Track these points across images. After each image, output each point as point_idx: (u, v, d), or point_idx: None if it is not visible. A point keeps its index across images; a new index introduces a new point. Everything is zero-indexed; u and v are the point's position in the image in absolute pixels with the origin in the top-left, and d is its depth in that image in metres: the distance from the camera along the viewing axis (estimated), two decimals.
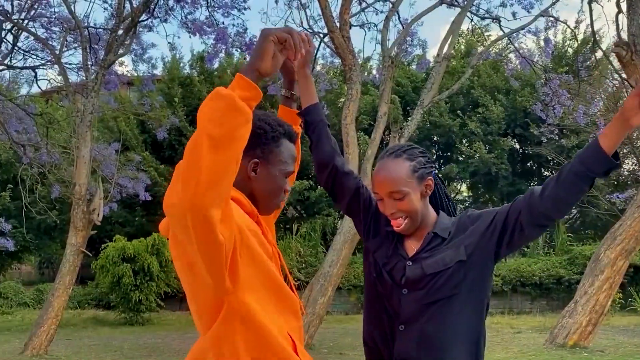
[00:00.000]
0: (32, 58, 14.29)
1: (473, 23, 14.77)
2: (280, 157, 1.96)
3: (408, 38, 14.65)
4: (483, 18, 13.68)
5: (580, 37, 17.59)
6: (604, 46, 17.36)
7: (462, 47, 20.93)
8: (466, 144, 19.30)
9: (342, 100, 16.86)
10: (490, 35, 18.16)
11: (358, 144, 14.55)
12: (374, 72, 18.53)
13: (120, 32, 11.45)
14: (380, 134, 11.17)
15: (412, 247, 2.24)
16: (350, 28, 11.70)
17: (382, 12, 13.66)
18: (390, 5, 12.51)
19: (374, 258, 2.27)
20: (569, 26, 14.62)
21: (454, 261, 2.14)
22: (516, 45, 14.58)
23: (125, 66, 19.54)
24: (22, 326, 14.13)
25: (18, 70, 15.05)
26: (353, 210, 2.37)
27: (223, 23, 12.64)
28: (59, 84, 15.30)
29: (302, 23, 13.80)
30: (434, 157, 20.97)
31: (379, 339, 2.23)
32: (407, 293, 2.16)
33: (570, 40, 18.67)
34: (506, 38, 14.04)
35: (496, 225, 2.16)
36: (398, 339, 2.16)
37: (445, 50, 11.36)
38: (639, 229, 9.85)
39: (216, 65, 21.25)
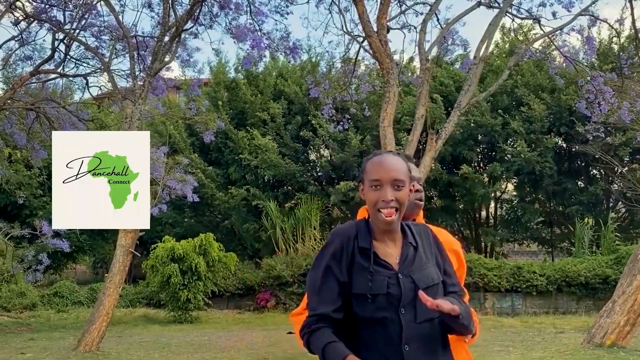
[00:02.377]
0: (84, 66, 14.90)
1: (514, 23, 14.82)
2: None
3: (449, 38, 14.78)
4: (523, 18, 13.70)
5: (625, 33, 17.41)
6: None
7: (507, 46, 20.85)
8: (511, 143, 19.23)
9: None
10: (536, 34, 18.10)
11: (401, 145, 14.78)
12: (418, 73, 18.66)
13: (165, 39, 11.85)
14: (418, 136, 11.32)
15: (391, 256, 2.34)
16: (388, 32, 11.88)
17: (421, 14, 13.81)
18: (428, 8, 12.66)
19: (359, 290, 2.29)
20: (609, 24, 14.51)
21: (440, 279, 2.36)
22: (560, 43, 14.56)
23: (172, 71, 20.09)
24: (76, 324, 14.73)
25: (70, 78, 15.66)
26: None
27: (260, 30, 12.93)
28: (109, 90, 15.87)
29: (342, 27, 14.08)
30: (478, 156, 20.97)
31: None
32: (405, 312, 2.25)
33: (615, 37, 18.43)
34: (549, 38, 14.05)
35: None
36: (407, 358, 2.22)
37: (482, 52, 11.46)
38: None
39: (261, 68, 21.67)
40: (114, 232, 17.85)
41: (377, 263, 2.31)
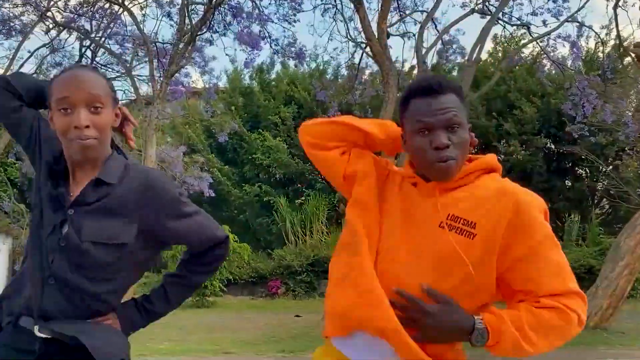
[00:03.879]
0: (109, 71, 14.85)
1: (505, 30, 14.62)
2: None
3: (447, 47, 14.58)
4: (513, 25, 13.49)
5: (611, 42, 17.16)
6: None
7: (499, 54, 20.62)
8: (504, 144, 19.03)
9: None
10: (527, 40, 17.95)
11: None
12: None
13: (181, 45, 11.77)
14: None
15: (75, 190, 1.72)
16: (388, 37, 11.70)
17: (419, 22, 13.63)
18: (426, 15, 12.47)
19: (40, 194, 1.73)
20: (595, 32, 14.31)
21: (120, 240, 1.68)
22: (549, 50, 14.35)
23: (191, 78, 20.16)
24: None
25: None
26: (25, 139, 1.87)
27: (269, 37, 12.79)
28: (133, 95, 15.83)
29: (346, 34, 13.92)
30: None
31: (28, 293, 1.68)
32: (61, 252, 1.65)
33: (601, 44, 18.23)
34: (537, 44, 13.85)
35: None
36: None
37: (475, 55, 11.25)
38: None
39: (273, 76, 21.62)
40: None
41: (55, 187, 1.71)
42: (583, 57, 17.58)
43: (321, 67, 21.01)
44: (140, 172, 1.76)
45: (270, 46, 12.88)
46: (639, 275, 14.21)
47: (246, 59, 13.27)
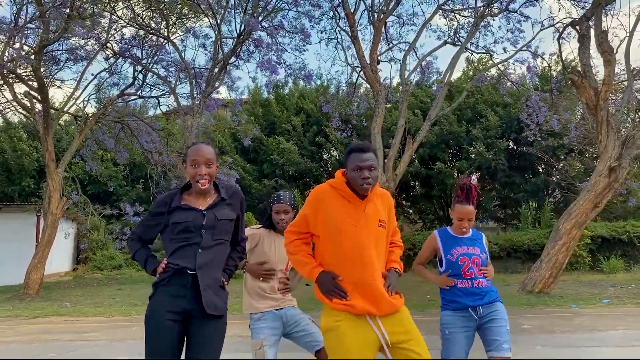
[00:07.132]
0: (156, 90, 15.49)
1: (474, 56, 15.21)
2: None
3: (426, 68, 15.22)
4: (479, 53, 14.10)
5: (558, 65, 17.73)
6: None
7: (471, 72, 21.16)
8: (473, 146, 19.58)
9: None
10: (492, 64, 18.46)
11: (389, 148, 15.26)
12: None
13: (215, 70, 12.42)
14: (399, 140, 11.77)
15: (200, 204, 2.70)
16: (378, 63, 12.35)
17: (404, 50, 14.27)
18: (408, 45, 13.10)
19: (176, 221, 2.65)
20: (543, 58, 14.90)
21: (233, 217, 2.74)
22: (509, 70, 14.98)
23: (220, 93, 20.81)
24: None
25: (146, 99, 16.29)
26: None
27: (284, 62, 13.41)
28: (174, 108, 16.45)
29: (345, 60, 14.56)
30: (449, 156, 21.30)
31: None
32: (206, 232, 2.62)
33: (551, 66, 18.82)
34: (500, 65, 14.47)
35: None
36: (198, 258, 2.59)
37: (446, 78, 11.89)
38: (588, 206, 10.21)
39: (287, 91, 22.20)
40: None
41: (185, 208, 2.68)
42: (539, 74, 18.18)
43: (325, 84, 21.62)
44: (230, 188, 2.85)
45: (285, 70, 13.54)
46: (575, 251, 14.96)
47: (266, 81, 13.95)
